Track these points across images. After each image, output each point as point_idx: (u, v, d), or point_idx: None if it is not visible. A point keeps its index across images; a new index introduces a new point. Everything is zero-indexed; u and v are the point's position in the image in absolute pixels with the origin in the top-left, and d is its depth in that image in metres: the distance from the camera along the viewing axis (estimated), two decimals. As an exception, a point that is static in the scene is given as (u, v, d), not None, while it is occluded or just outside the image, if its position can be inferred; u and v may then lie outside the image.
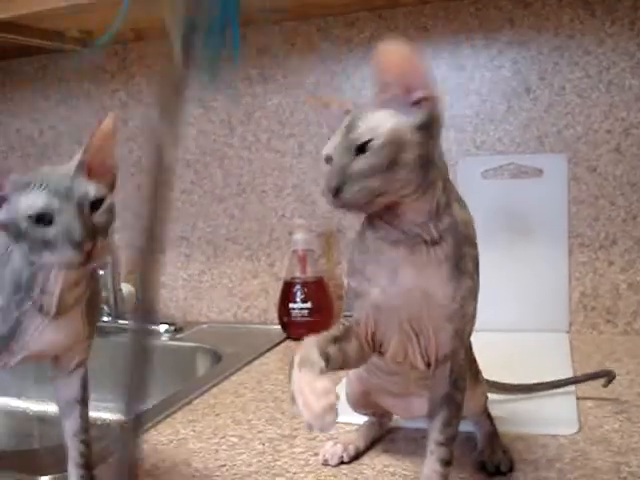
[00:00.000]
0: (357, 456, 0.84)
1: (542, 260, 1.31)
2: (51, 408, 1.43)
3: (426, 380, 0.72)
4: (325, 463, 0.82)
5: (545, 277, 1.31)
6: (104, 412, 1.36)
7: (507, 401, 0.96)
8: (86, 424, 0.77)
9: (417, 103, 0.63)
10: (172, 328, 1.45)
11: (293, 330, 1.39)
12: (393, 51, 0.62)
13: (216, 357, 1.30)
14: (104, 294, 1.55)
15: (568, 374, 1.03)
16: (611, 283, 1.30)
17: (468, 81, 1.36)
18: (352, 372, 0.83)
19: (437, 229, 0.65)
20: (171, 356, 1.35)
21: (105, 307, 1.53)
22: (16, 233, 0.63)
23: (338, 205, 0.63)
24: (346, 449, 0.83)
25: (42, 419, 1.41)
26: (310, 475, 0.80)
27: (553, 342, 1.25)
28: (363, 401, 0.86)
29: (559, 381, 0.99)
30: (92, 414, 1.38)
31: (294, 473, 0.80)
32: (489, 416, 0.84)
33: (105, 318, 1.53)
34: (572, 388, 0.98)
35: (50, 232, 0.61)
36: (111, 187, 0.69)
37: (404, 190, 0.63)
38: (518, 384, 0.96)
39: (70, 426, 0.76)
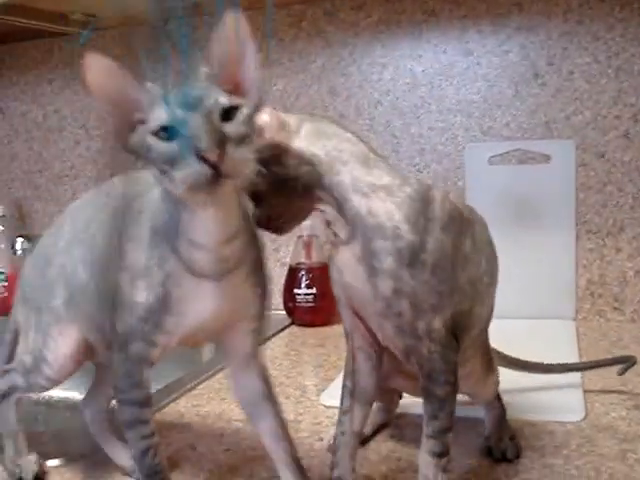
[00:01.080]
0: (363, 442, 0.83)
1: (549, 247, 1.31)
2: (56, 393, 1.43)
3: None
4: (331, 448, 0.82)
5: (552, 264, 1.31)
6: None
7: (516, 388, 0.95)
8: (282, 421, 0.70)
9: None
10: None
11: (298, 316, 1.39)
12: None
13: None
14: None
15: (575, 361, 1.02)
16: (619, 270, 1.29)
17: (475, 66, 1.34)
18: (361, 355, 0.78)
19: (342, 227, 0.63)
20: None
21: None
22: (145, 156, 0.56)
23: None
24: None
25: (48, 404, 1.41)
26: (315, 460, 0.80)
27: (560, 329, 1.25)
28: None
29: (578, 364, 0.99)
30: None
31: (299, 458, 0.80)
32: (499, 399, 0.83)
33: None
34: (578, 375, 0.98)
35: (173, 146, 0.54)
36: (252, 97, 0.58)
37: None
38: (537, 363, 0.94)
39: (265, 427, 0.70)
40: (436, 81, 1.37)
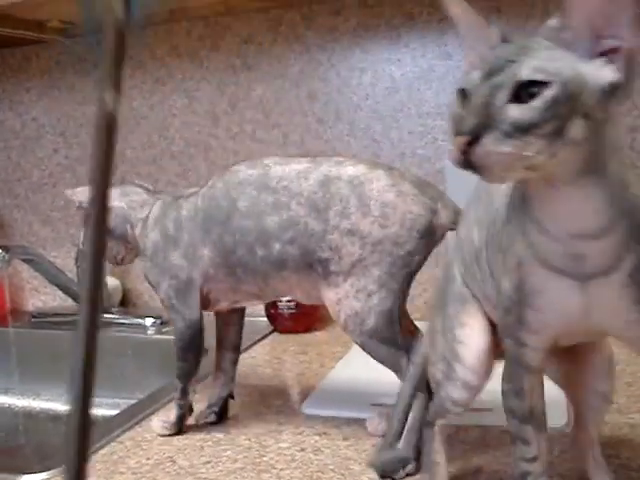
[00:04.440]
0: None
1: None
2: (36, 404, 1.42)
3: None
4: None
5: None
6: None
7: (497, 392, 0.95)
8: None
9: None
10: (158, 322, 1.43)
11: (280, 323, 1.38)
12: None
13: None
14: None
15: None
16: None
17: (455, 70, 1.34)
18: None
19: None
20: (157, 350, 1.34)
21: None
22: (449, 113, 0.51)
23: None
24: None
25: (29, 415, 1.40)
26: (296, 471, 0.79)
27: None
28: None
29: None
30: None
31: (280, 469, 0.79)
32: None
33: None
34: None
35: (456, 113, 0.49)
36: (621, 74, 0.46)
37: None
38: None
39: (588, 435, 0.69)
40: (415, 85, 1.37)
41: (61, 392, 1.41)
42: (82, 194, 0.95)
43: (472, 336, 0.64)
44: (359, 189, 0.78)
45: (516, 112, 0.45)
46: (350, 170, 0.80)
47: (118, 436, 0.91)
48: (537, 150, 0.45)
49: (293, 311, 1.36)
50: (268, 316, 1.39)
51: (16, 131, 1.70)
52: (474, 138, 0.45)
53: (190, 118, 1.53)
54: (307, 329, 1.36)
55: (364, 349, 0.80)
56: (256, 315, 1.41)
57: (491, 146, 0.45)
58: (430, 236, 0.78)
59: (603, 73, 0.46)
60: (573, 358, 0.68)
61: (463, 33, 0.55)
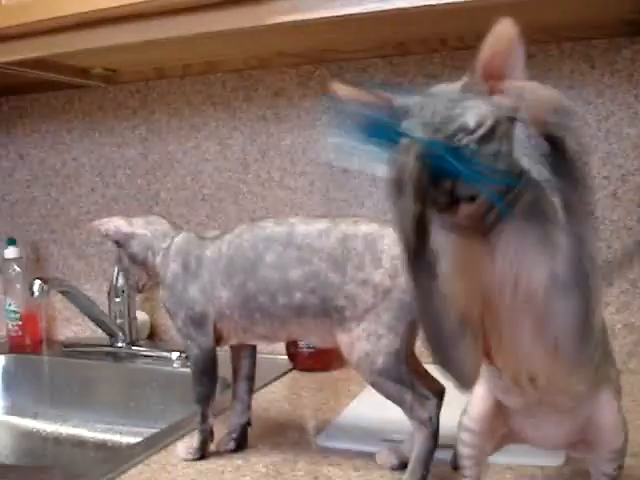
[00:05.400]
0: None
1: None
2: (64, 429, 1.48)
3: None
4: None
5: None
6: (115, 435, 1.42)
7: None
8: None
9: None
10: (184, 355, 1.49)
11: (299, 361, 1.44)
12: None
13: (225, 384, 1.34)
14: (119, 321, 1.61)
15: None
16: (607, 324, 1.34)
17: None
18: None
19: None
20: (182, 383, 1.40)
21: (120, 333, 1.59)
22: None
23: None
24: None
25: (57, 440, 1.46)
26: (310, 497, 0.85)
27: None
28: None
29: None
30: (104, 436, 1.44)
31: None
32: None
33: (120, 344, 1.59)
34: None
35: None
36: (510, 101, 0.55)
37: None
38: None
39: None
40: (435, 140, 1.44)
41: (88, 418, 1.48)
42: (107, 225, 1.04)
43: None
44: (372, 245, 0.86)
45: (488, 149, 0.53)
46: (364, 228, 0.88)
47: (144, 460, 0.98)
48: None
49: (312, 350, 1.41)
50: (288, 355, 1.45)
51: (56, 169, 1.80)
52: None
53: (222, 164, 1.61)
54: (325, 368, 1.41)
55: (373, 387, 0.87)
56: (277, 353, 1.48)
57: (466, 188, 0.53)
58: None
59: (504, 103, 0.55)
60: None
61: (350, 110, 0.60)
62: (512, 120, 0.54)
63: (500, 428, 0.74)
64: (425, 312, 0.60)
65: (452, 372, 0.62)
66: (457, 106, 0.54)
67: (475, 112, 0.54)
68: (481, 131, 0.53)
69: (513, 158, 0.54)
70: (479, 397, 0.73)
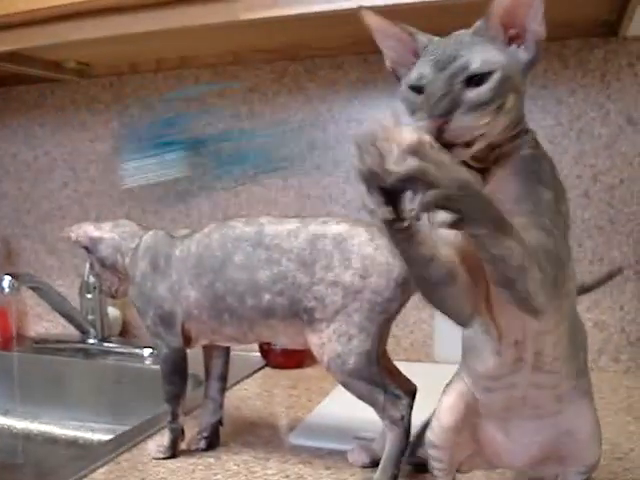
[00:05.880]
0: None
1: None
2: (35, 426, 1.47)
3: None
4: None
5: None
6: (86, 432, 1.41)
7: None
8: None
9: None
10: (155, 352, 1.48)
11: (272, 359, 1.44)
12: None
13: (197, 382, 1.34)
14: (90, 317, 1.60)
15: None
16: (577, 321, 1.35)
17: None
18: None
19: None
20: (154, 379, 1.38)
21: (92, 330, 1.58)
22: (406, 105, 0.63)
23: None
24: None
25: (27, 437, 1.45)
26: (280, 496, 0.85)
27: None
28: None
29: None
30: (75, 433, 1.43)
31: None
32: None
33: (91, 341, 1.58)
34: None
35: (417, 102, 0.60)
36: (527, 50, 0.61)
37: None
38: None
39: None
40: (409, 137, 1.44)
41: (59, 415, 1.47)
42: (76, 231, 1.03)
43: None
44: (342, 245, 0.86)
45: (473, 95, 0.58)
46: (334, 228, 0.88)
47: (115, 458, 0.97)
48: (488, 120, 0.58)
49: (284, 348, 1.42)
50: (261, 352, 1.45)
51: (28, 164, 1.78)
52: (445, 120, 0.56)
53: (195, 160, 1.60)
54: (297, 365, 1.42)
55: (345, 387, 0.87)
56: (249, 350, 1.47)
57: (459, 122, 0.57)
58: (406, 284, 0.85)
59: (520, 55, 0.61)
60: None
61: (379, 39, 0.68)
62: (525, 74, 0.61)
63: (467, 443, 0.74)
64: (408, 264, 0.60)
65: (445, 312, 0.63)
66: (464, 48, 0.59)
67: (482, 56, 0.59)
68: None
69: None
70: (447, 408, 0.72)
